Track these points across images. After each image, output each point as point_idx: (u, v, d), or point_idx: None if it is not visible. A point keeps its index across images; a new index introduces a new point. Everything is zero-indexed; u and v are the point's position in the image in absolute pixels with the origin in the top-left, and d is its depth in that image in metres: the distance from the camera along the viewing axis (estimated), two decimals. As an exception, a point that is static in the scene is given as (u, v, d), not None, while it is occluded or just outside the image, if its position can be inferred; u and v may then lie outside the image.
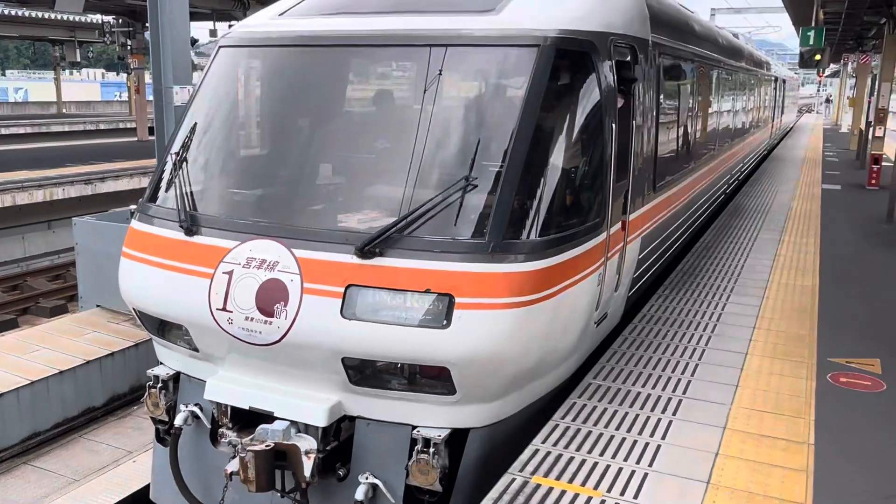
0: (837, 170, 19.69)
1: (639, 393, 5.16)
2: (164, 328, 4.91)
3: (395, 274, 4.11)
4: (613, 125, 5.13)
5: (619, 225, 5.44)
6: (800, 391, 5.27)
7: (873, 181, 16.00)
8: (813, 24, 17.62)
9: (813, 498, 3.94)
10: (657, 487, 4.01)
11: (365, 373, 4.29)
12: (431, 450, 4.25)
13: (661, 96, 6.89)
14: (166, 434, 5.16)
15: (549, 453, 4.34)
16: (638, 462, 4.26)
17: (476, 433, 4.46)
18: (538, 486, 4.00)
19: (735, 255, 9.35)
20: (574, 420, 4.76)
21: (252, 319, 4.28)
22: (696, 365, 5.70)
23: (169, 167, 5.13)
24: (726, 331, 6.50)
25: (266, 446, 4.24)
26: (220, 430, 4.67)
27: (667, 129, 7.36)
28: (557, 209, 4.56)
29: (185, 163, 5.05)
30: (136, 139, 26.97)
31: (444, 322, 4.00)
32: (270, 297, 4.24)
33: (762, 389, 5.29)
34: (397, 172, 4.54)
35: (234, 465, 4.37)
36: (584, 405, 4.96)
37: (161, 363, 5.24)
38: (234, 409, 4.61)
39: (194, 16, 21.76)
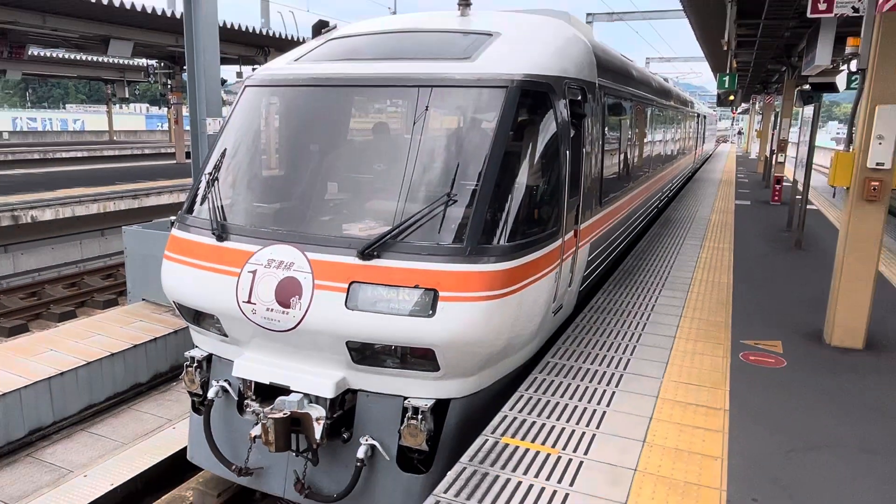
0: (748, 189, 19.89)
1: (588, 369, 5.19)
2: (199, 317, 4.88)
3: (390, 273, 4.11)
4: (567, 152, 5.15)
5: (571, 233, 5.46)
6: (718, 367, 5.32)
7: (776, 198, 16.20)
8: (728, 71, 17.82)
9: (728, 452, 3.99)
10: (603, 446, 4.04)
11: (365, 354, 4.29)
12: (419, 416, 4.27)
13: (606, 128, 6.93)
14: (200, 405, 5.13)
15: (515, 419, 4.36)
16: (588, 425, 4.29)
17: (456, 402, 4.47)
18: (507, 445, 4.02)
19: (665, 258, 9.42)
20: (536, 391, 4.78)
21: (272, 310, 4.27)
22: (634, 346, 5.73)
23: (203, 185, 5.10)
24: (658, 319, 6.54)
25: (284, 414, 4.23)
26: (246, 401, 4.64)
27: (610, 155, 7.40)
28: (522, 220, 4.57)
29: (216, 181, 5.03)
30: (174, 162, 26.70)
31: (431, 312, 4.01)
32: (287, 292, 4.23)
33: (687, 366, 5.33)
34: (392, 190, 4.55)
35: (257, 430, 4.36)
36: (544, 379, 4.98)
37: (196, 346, 5.20)
38: (257, 384, 4.60)
39: (223, 60, 21.63)
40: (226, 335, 4.74)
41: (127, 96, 36.37)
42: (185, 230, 4.95)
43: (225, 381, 4.87)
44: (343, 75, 4.99)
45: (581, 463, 3.83)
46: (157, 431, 6.63)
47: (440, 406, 4.43)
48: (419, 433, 4.24)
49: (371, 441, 4.40)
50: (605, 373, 5.13)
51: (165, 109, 39.80)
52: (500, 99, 4.55)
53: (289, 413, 4.25)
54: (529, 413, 4.44)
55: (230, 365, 4.73)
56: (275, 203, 5.06)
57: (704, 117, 27.80)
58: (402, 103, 5.30)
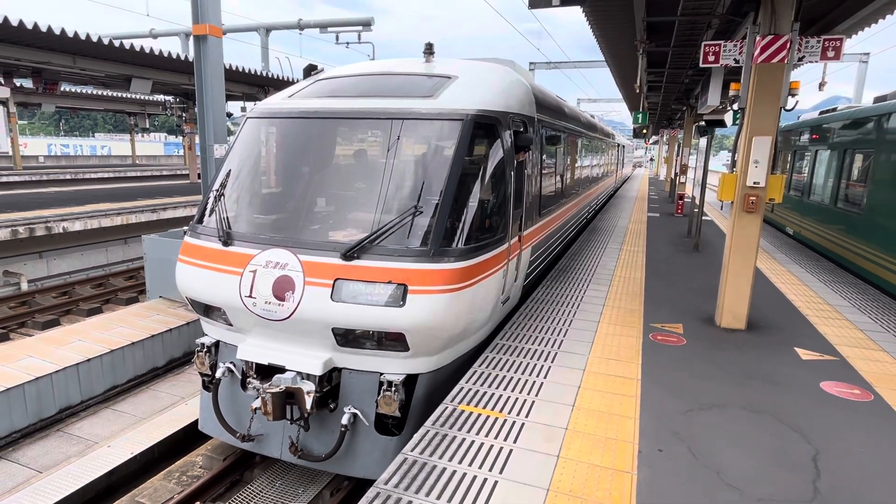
0: (657, 204, 20.36)
1: (530, 349, 5.25)
2: (208, 310, 4.79)
3: (368, 271, 4.10)
4: (512, 173, 5.22)
5: (516, 238, 5.53)
6: (632, 346, 5.43)
7: (679, 210, 16.64)
8: (641, 110, 18.28)
9: (640, 413, 4.08)
10: (541, 410, 4.09)
11: (348, 338, 4.26)
12: (393, 389, 4.26)
13: (544, 155, 7.04)
14: (210, 384, 5.02)
15: (470, 389, 4.38)
16: (529, 394, 4.33)
17: (423, 377, 4.47)
18: (463, 411, 4.04)
19: (592, 259, 9.57)
20: (487, 367, 4.81)
21: (270, 303, 4.21)
22: (567, 329, 5.81)
23: (211, 199, 5.00)
24: (586, 307, 6.64)
25: (280, 389, 4.18)
26: (248, 379, 4.57)
27: (548, 176, 7.51)
28: (476, 227, 4.61)
29: (222, 196, 4.94)
30: (188, 182, 26.04)
31: (402, 303, 4.01)
32: (283, 288, 4.18)
33: (608, 345, 5.43)
34: (369, 203, 4.53)
35: (257, 403, 4.30)
36: (494, 357, 5.02)
37: (206, 335, 5.09)
38: (257, 364, 4.52)
39: (231, 97, 21.22)
40: (231, 324, 4.65)
41: (147, 126, 35.29)
42: (196, 237, 4.85)
43: (230, 362, 4.78)
44: (329, 109, 4.97)
45: (523, 424, 3.87)
46: (172, 407, 6.45)
47: (410, 380, 4.43)
48: (393, 402, 4.23)
49: (353, 410, 4.37)
50: (543, 351, 5.19)
51: (181, 138, 38.80)
52: (457, 129, 4.59)
53: (284, 388, 4.20)
54: (482, 385, 4.47)
55: (234, 349, 4.66)
56: (272, 214, 4.99)
57: (623, 146, 28.36)
58: (378, 133, 5.29)
